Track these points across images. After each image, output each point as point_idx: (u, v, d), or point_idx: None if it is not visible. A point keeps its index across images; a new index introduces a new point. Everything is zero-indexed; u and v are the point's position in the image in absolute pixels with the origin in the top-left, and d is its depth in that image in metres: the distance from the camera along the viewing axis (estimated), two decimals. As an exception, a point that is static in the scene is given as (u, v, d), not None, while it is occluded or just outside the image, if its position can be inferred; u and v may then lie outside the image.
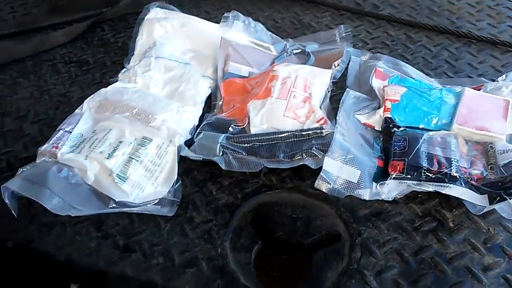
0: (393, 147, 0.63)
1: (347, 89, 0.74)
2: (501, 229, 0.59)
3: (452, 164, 0.59)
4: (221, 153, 0.66)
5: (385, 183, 0.60)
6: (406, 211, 0.62)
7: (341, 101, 0.71)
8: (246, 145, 0.67)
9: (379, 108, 0.71)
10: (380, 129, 0.69)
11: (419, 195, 0.63)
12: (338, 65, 0.80)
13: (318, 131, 0.67)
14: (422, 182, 0.59)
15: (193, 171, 0.68)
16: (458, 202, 0.62)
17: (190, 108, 0.74)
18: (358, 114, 0.70)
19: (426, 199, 0.63)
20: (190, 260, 0.57)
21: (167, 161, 0.66)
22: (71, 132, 0.68)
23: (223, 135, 0.68)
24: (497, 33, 0.91)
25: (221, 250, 0.58)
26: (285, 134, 0.67)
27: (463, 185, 0.59)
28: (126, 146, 0.66)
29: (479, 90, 0.72)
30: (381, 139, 0.67)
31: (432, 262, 0.56)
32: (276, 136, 0.67)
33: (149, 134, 0.68)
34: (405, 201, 0.63)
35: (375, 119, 0.69)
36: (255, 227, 0.61)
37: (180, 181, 0.65)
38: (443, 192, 0.59)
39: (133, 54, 0.86)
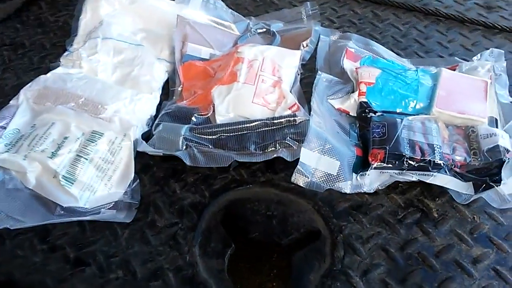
0: (372, 134, 0.58)
1: (319, 72, 0.68)
2: (486, 217, 0.56)
3: (436, 151, 0.55)
4: (184, 147, 0.59)
5: (365, 173, 0.55)
6: (387, 202, 0.57)
7: (313, 85, 0.65)
8: (212, 136, 0.60)
9: (353, 92, 0.66)
10: (355, 115, 0.64)
11: (399, 185, 0.59)
12: (306, 45, 0.74)
13: (291, 118, 0.61)
14: (404, 171, 0.55)
15: (152, 168, 0.61)
16: (440, 191, 0.58)
17: (146, 95, 0.66)
18: (331, 99, 0.64)
19: (407, 189, 0.59)
20: (155, 272, 0.50)
21: (121, 158, 0.58)
22: (5, 128, 0.58)
23: (186, 126, 0.61)
24: (464, 10, 0.88)
25: (189, 257, 0.51)
26: (255, 123, 0.61)
27: (447, 173, 0.55)
28: (72, 142, 0.57)
29: (454, 70, 0.69)
30: (357, 125, 0.62)
31: (420, 257, 0.52)
32: (245, 125, 0.61)
33: (99, 127, 0.59)
34: (386, 191, 0.58)
35: (350, 104, 0.64)
36: (226, 228, 0.55)
37: (138, 180, 0.58)
38: (427, 181, 0.55)
39: (76, 35, 0.76)
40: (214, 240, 0.53)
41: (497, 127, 0.60)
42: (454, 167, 0.56)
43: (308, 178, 0.55)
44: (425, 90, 0.65)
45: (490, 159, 0.55)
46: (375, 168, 0.55)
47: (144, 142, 0.60)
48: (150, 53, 0.73)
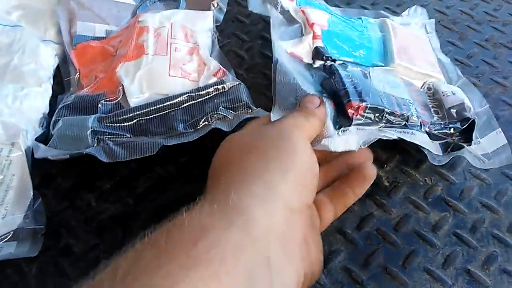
0: (344, 84, 0.48)
1: (268, 6, 0.58)
2: (438, 177, 0.53)
3: (411, 107, 0.49)
4: (95, 142, 0.48)
5: (347, 129, 0.46)
6: (335, 177, 0.52)
7: (271, 25, 0.55)
8: (128, 123, 0.50)
9: (302, 34, 0.56)
10: (309, 62, 0.53)
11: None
12: (217, 5, 0.65)
13: (219, 86, 0.52)
14: (385, 127, 0.48)
15: (56, 179, 0.49)
16: (387, 156, 0.54)
17: (33, 89, 0.53)
18: (282, 41, 0.54)
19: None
20: (79, 312, 0.40)
21: (13, 175, 0.46)
22: None
23: (92, 116, 0.49)
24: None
25: (121, 284, 0.42)
26: (178, 99, 0.51)
27: (422, 130, 0.49)
28: None
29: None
30: (315, 74, 0.52)
31: (379, 234, 0.48)
32: (167, 103, 0.51)
33: (-23, 139, 0.46)
34: (332, 165, 0.53)
35: (303, 48, 0.54)
36: (160, 239, 0.46)
37: (39, 198, 0.46)
38: (407, 139, 0.48)
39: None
40: (147, 257, 0.44)
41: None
42: (423, 126, 0.50)
43: None
44: (377, 40, 0.58)
45: (456, 118, 0.51)
46: (354, 124, 0.47)
47: (42, 145, 0.48)
48: (31, 35, 0.59)
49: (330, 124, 0.45)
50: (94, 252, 0.44)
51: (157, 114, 0.51)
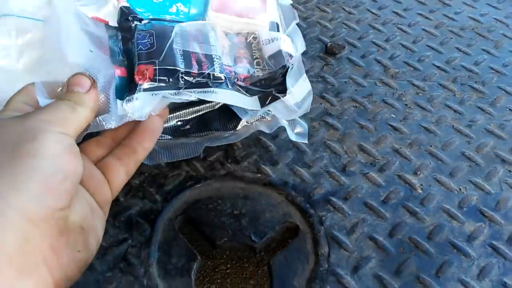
0: (137, 46, 0.46)
1: None
2: (473, 187, 0.51)
3: (215, 63, 0.46)
4: None
5: (133, 98, 0.42)
6: (366, 182, 0.51)
7: None
8: (167, 124, 0.49)
9: None
10: (116, 25, 0.50)
11: (377, 160, 0.53)
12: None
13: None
14: (181, 90, 0.44)
15: (85, 172, 0.49)
16: (420, 163, 0.53)
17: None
18: (82, 6, 0.49)
19: (385, 164, 0.52)
20: (106, 307, 0.40)
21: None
22: None
23: None
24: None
25: (147, 280, 0.42)
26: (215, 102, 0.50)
27: (230, 87, 0.46)
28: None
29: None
30: (120, 38, 0.49)
31: (412, 242, 0.46)
32: (202, 105, 0.50)
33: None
34: (362, 170, 0.52)
35: (109, 11, 0.50)
36: (188, 236, 0.46)
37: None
38: (209, 99, 0.44)
39: (-36, 14, 0.60)
40: (175, 255, 0.44)
41: (279, 31, 0.52)
42: (237, 80, 0.47)
43: None
44: None
45: (274, 67, 0.47)
46: (145, 89, 0.43)
47: None
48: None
49: (108, 97, 0.40)
50: (121, 247, 0.44)
51: (194, 115, 0.51)
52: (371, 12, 0.72)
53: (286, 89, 0.44)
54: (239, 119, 0.49)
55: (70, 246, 0.32)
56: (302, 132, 0.50)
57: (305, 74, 0.47)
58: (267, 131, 0.49)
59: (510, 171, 0.53)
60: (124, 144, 0.40)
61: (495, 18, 0.73)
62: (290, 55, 0.47)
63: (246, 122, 0.49)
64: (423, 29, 0.70)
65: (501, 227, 0.48)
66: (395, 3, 0.74)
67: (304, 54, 0.64)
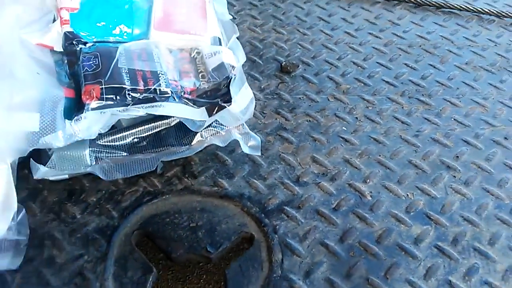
0: (83, 68, 0.48)
1: None
2: (419, 192, 0.54)
3: (160, 78, 0.49)
4: (93, 161, 0.49)
5: (81, 117, 0.45)
6: (318, 191, 0.53)
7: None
8: (123, 141, 0.51)
9: (54, 21, 0.54)
10: (62, 50, 0.53)
11: (328, 170, 0.55)
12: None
13: None
14: (129, 106, 0.46)
15: (41, 193, 0.50)
16: (369, 172, 0.55)
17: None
18: (25, 34, 0.51)
19: (336, 174, 0.55)
20: (60, 321, 0.40)
21: (-2, 186, 0.46)
22: None
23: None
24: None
25: (102, 294, 0.42)
26: (171, 119, 0.52)
27: (177, 100, 0.48)
28: None
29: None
30: (66, 61, 0.51)
31: (361, 246, 0.48)
32: (158, 122, 0.52)
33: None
34: (314, 180, 0.54)
35: (53, 37, 0.53)
36: (144, 250, 0.47)
37: (23, 211, 0.46)
38: (157, 113, 0.47)
39: None
40: (131, 268, 0.44)
41: (221, 45, 0.56)
42: (184, 94, 0.50)
43: None
44: (142, 14, 0.57)
45: (218, 79, 0.51)
46: (93, 108, 0.45)
47: (41, 166, 0.48)
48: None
49: (56, 117, 0.43)
50: (77, 263, 0.44)
51: (150, 132, 0.52)
52: (324, 32, 0.76)
53: (231, 99, 0.47)
54: (193, 134, 0.51)
55: None
56: (255, 145, 0.52)
57: (246, 83, 0.51)
58: (221, 145, 0.51)
59: (454, 176, 0.56)
60: None
61: (441, 35, 0.77)
62: (233, 66, 0.50)
63: (201, 136, 0.51)
64: (374, 47, 0.74)
65: (446, 229, 0.50)
66: (347, 24, 0.78)
67: (260, 72, 0.67)
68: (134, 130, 0.52)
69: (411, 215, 0.51)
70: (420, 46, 0.75)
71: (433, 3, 0.82)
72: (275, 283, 0.45)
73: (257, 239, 0.48)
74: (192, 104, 0.49)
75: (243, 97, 0.50)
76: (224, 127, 0.52)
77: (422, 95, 0.66)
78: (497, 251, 0.49)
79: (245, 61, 0.56)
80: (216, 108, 0.48)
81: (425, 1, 0.82)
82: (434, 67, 0.71)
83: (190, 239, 0.47)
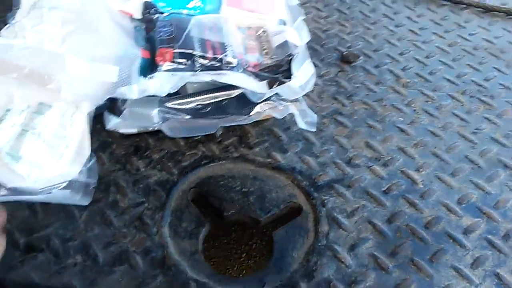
0: (158, 34, 0.52)
1: None
2: (473, 186, 0.53)
3: (227, 50, 0.51)
4: (161, 120, 0.53)
5: (153, 76, 0.49)
6: (369, 174, 0.54)
7: None
8: (188, 106, 0.54)
9: None
10: (140, 17, 0.56)
11: (381, 156, 0.56)
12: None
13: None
14: (197, 71, 0.50)
15: (111, 145, 0.54)
16: (423, 161, 0.55)
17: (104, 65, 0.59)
18: (110, 0, 0.56)
19: (389, 160, 0.55)
20: (119, 255, 0.44)
21: (74, 133, 0.51)
22: None
23: (157, 98, 0.54)
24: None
25: (158, 238, 0.45)
26: (233, 90, 0.55)
27: (241, 71, 0.51)
28: (16, 115, 0.49)
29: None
30: (144, 27, 0.55)
31: (409, 229, 0.49)
32: (221, 92, 0.55)
33: (47, 98, 0.51)
34: (366, 163, 0.55)
35: (133, 5, 0.57)
36: (199, 206, 0.49)
37: (95, 158, 0.50)
38: (222, 80, 0.50)
39: (18, 8, 0.67)
40: (185, 220, 0.47)
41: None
42: (248, 67, 0.52)
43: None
44: None
45: (281, 56, 0.53)
46: (165, 70, 0.49)
47: (114, 117, 0.52)
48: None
49: (132, 73, 0.47)
50: (138, 209, 0.48)
51: (212, 101, 0.55)
52: (388, 28, 0.77)
53: (291, 75, 0.50)
54: (253, 106, 0.54)
55: None
56: (311, 121, 0.54)
57: (309, 59, 0.53)
58: (278, 117, 0.53)
59: (511, 175, 0.55)
60: None
61: (508, 41, 0.76)
62: (296, 45, 0.53)
63: (259, 108, 0.54)
64: (437, 46, 0.74)
65: (498, 224, 0.50)
66: (411, 22, 0.78)
67: (320, 60, 0.69)
68: (198, 97, 0.55)
69: (463, 206, 0.51)
70: (485, 49, 0.74)
71: (503, 9, 0.81)
72: (319, 251, 0.46)
73: (305, 210, 0.50)
74: (254, 77, 0.52)
75: (304, 73, 0.52)
76: (282, 102, 0.54)
77: (484, 95, 0.66)
78: (550, 251, 0.47)
79: (306, 49, 0.58)
80: (277, 83, 0.51)
81: (494, 7, 0.81)
82: (499, 70, 0.70)
83: (241, 202, 0.50)
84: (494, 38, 0.76)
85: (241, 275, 0.47)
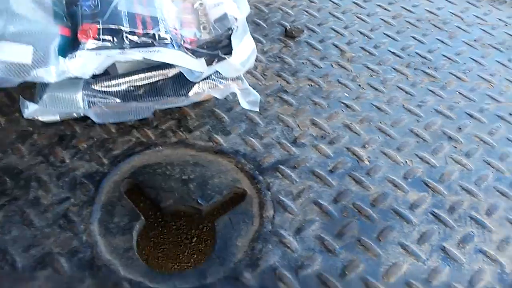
0: (81, 8, 0.47)
1: None
2: (419, 160, 0.52)
3: (160, 24, 0.47)
4: (87, 105, 0.48)
5: (75, 55, 0.44)
6: (315, 153, 0.52)
7: None
8: (117, 88, 0.49)
9: None
10: None
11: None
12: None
13: None
14: (125, 49, 0.45)
15: (31, 136, 0.49)
16: (369, 138, 0.54)
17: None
18: None
19: (335, 138, 0.53)
20: (42, 259, 0.39)
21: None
22: None
23: (83, 79, 0.49)
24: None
25: (86, 237, 0.41)
26: (169, 70, 0.51)
27: (176, 48, 0.47)
28: None
29: None
30: (64, 1, 0.50)
31: (355, 208, 0.47)
32: (155, 72, 0.50)
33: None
34: (312, 142, 0.53)
35: None
36: (133, 199, 0.45)
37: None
38: (154, 58, 0.46)
39: None
40: (117, 215, 0.43)
41: None
42: (183, 43, 0.49)
43: None
44: None
45: (220, 30, 0.50)
46: (88, 48, 0.44)
47: (31, 104, 0.47)
48: None
49: (48, 53, 0.42)
50: (63, 205, 0.43)
51: (146, 82, 0.51)
52: (332, 1, 0.74)
53: (231, 50, 0.46)
54: (191, 86, 0.50)
55: None
56: (253, 100, 0.51)
57: (249, 33, 0.49)
58: (218, 97, 0.49)
59: (455, 147, 0.54)
60: None
61: (450, 12, 0.76)
62: (235, 18, 0.48)
63: (198, 88, 0.50)
64: (381, 19, 0.72)
65: (444, 197, 0.49)
66: (355, -5, 0.76)
67: (264, 35, 0.66)
68: (129, 78, 0.50)
69: (409, 181, 0.50)
70: (429, 20, 0.73)
71: (445, -21, 0.80)
72: (265, 237, 0.43)
73: (250, 195, 0.47)
74: (191, 54, 0.48)
75: (244, 48, 0.49)
76: (223, 80, 0.51)
77: (428, 67, 0.65)
78: (494, 222, 0.47)
79: (249, 24, 0.54)
80: (216, 60, 0.47)
81: (437, -23, 0.80)
82: (442, 41, 0.69)
83: (181, 191, 0.46)
84: (436, 9, 0.76)
85: (181, 270, 0.44)
